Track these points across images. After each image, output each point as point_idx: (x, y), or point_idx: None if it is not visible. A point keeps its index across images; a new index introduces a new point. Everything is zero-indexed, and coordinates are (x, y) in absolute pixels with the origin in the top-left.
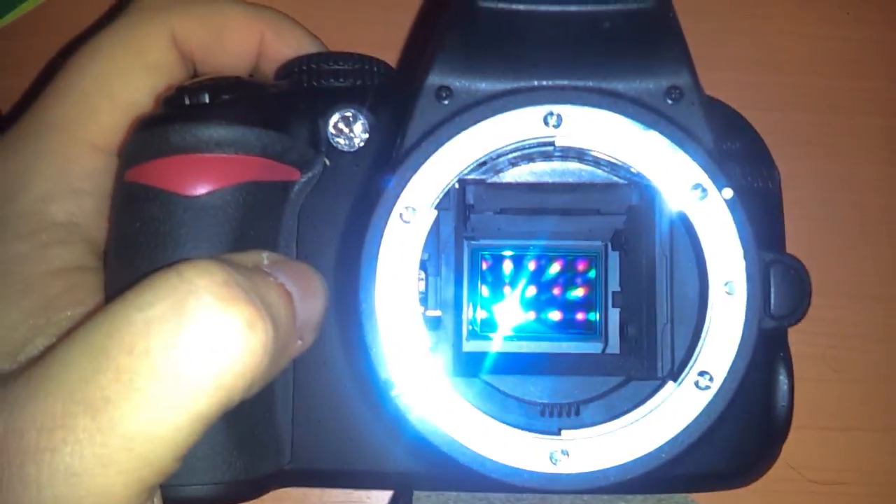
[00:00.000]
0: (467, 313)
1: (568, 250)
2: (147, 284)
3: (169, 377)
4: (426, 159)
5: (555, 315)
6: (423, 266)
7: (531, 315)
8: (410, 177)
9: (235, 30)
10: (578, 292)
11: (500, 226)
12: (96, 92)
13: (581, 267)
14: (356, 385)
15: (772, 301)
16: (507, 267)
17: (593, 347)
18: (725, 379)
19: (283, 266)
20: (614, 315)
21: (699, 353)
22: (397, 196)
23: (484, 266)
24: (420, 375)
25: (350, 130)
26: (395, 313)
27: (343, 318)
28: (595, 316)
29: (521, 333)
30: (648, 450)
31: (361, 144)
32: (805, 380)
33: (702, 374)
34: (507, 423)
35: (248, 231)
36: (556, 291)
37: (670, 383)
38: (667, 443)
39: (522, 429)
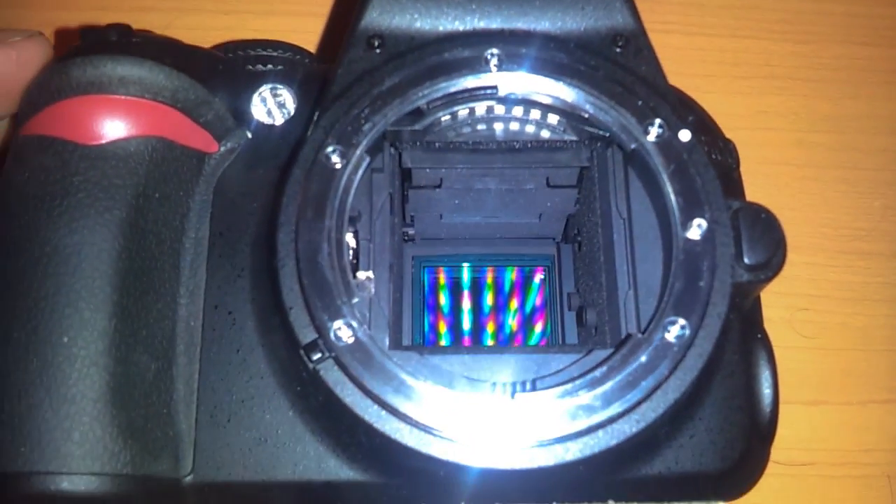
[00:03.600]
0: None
1: (519, 258)
2: None
3: None
4: (353, 104)
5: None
6: (354, 226)
7: (480, 329)
8: (337, 121)
9: None
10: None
11: (444, 229)
12: None
13: (533, 277)
14: (275, 377)
15: (744, 248)
16: (455, 282)
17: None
18: (702, 325)
19: None
20: (570, 317)
21: (668, 302)
22: (323, 139)
23: (430, 279)
24: (349, 341)
25: (276, 102)
26: (320, 267)
27: (261, 301)
28: (549, 327)
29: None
30: (622, 409)
31: (287, 117)
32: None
33: (672, 321)
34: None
35: (152, 193)
36: (508, 306)
37: (636, 335)
38: (644, 400)
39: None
